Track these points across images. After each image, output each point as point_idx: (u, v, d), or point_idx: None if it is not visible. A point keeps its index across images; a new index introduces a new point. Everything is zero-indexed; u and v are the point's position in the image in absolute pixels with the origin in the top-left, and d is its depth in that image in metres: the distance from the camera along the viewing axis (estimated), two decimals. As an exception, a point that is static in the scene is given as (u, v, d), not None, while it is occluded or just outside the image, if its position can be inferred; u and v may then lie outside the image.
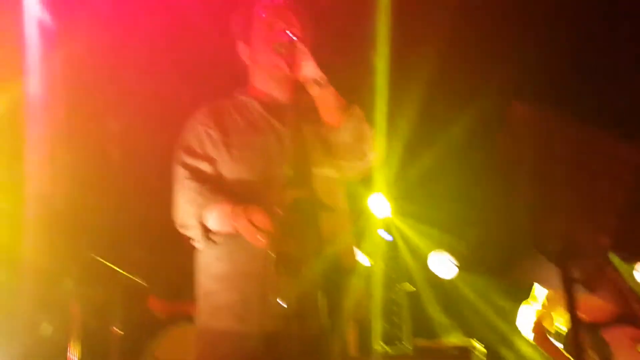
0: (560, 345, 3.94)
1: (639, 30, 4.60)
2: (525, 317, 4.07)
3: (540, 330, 4.00)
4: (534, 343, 4.09)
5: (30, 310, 4.42)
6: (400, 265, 6.38)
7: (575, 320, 1.76)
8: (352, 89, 2.38)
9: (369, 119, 2.38)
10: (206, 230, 2.28)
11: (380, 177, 5.79)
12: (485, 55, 5.22)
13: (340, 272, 1.82)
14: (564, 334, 3.96)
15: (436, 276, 6.09)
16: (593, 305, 3.69)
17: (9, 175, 4.30)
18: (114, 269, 4.08)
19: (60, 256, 4.17)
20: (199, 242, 2.32)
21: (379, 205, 6.08)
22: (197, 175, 2.35)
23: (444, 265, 5.87)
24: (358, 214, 5.78)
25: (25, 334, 4.33)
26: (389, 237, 6.32)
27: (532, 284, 3.75)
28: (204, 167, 2.36)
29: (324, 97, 2.29)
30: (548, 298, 3.97)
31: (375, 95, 4.82)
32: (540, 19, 4.83)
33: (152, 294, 4.58)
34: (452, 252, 5.64)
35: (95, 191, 4.76)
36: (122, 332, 4.04)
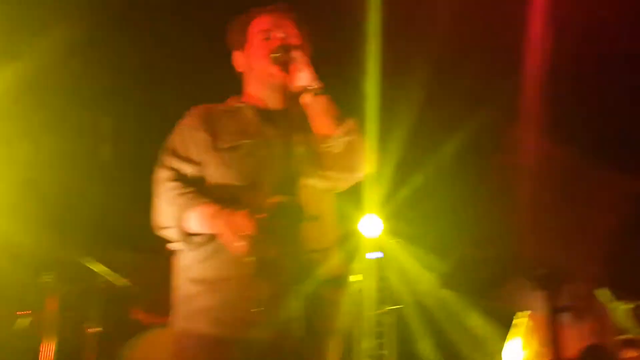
0: None
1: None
2: (512, 352, 3.98)
3: None
4: None
5: (8, 300, 4.35)
6: (388, 285, 6.36)
7: (556, 347, 1.72)
8: (342, 108, 2.36)
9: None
10: (185, 233, 2.26)
11: (372, 197, 5.78)
12: (476, 75, 5.22)
13: (323, 283, 1.78)
14: None
15: (423, 297, 6.06)
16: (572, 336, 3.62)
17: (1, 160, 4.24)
18: (95, 268, 4.03)
19: (45, 247, 4.12)
20: (177, 244, 2.29)
21: (371, 224, 6.07)
22: (178, 176, 2.33)
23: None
24: (349, 232, 5.77)
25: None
26: (379, 256, 6.30)
27: (516, 308, 3.69)
28: (187, 169, 2.34)
29: (318, 107, 2.27)
30: (531, 328, 3.89)
31: (366, 114, 4.81)
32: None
33: (133, 299, 4.52)
34: (438, 272, 5.61)
35: (85, 183, 4.71)
36: (97, 331, 3.98)
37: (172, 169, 2.34)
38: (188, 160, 2.34)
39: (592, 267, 1.86)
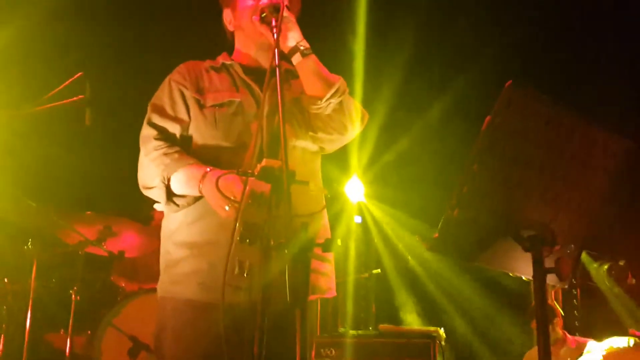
0: None
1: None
2: None
3: None
4: None
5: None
6: (371, 250, 6.39)
7: (543, 309, 1.73)
8: (330, 69, 2.33)
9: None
10: (170, 193, 2.22)
11: (356, 160, 5.77)
12: (464, 39, 5.20)
13: (310, 248, 1.77)
14: None
15: (405, 261, 6.11)
16: None
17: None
18: (78, 233, 3.98)
19: (25, 214, 4.06)
20: (161, 205, 2.26)
21: (354, 189, 6.07)
22: (165, 135, 2.29)
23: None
24: (334, 196, 5.77)
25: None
26: (358, 221, 6.33)
27: (501, 270, 3.71)
28: (174, 127, 2.30)
29: (307, 67, 2.24)
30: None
31: (352, 78, 4.78)
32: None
33: (114, 265, 4.49)
34: (422, 236, 5.65)
35: (66, 149, 4.64)
36: (79, 297, 3.95)
37: (159, 127, 2.29)
38: (175, 118, 2.30)
39: (578, 228, 1.87)
